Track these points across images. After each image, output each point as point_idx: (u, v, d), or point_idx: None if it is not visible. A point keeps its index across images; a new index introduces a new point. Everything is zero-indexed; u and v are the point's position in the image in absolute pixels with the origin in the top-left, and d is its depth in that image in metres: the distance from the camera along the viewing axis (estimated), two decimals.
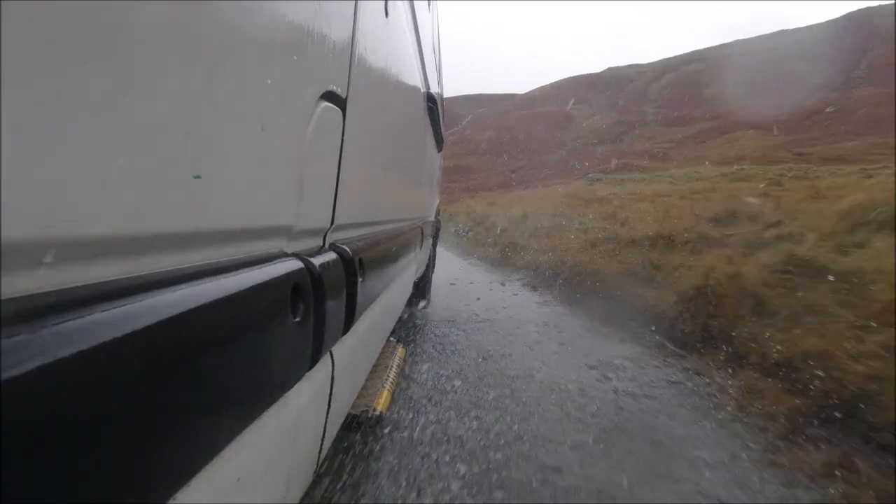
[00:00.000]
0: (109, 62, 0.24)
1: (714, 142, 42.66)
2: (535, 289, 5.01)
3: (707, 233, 4.37)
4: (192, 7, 0.30)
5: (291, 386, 0.48)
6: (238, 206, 0.40)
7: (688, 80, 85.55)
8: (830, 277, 2.80)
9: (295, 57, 0.45)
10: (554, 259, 5.36)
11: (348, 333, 0.70)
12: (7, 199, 0.19)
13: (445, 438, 1.82)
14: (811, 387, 2.16)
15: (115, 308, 0.24)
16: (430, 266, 3.64)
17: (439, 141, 2.71)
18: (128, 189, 0.27)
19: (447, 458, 1.68)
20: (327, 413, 0.69)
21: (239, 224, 0.41)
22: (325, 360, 0.62)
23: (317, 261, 0.54)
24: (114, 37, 0.24)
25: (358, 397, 1.09)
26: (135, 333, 0.24)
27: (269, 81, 0.41)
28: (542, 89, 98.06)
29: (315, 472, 0.70)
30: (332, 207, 0.65)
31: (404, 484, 1.51)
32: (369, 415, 1.03)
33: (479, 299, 4.39)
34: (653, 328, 3.20)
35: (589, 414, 2.12)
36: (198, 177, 0.32)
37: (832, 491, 1.61)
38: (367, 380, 1.21)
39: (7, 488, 0.17)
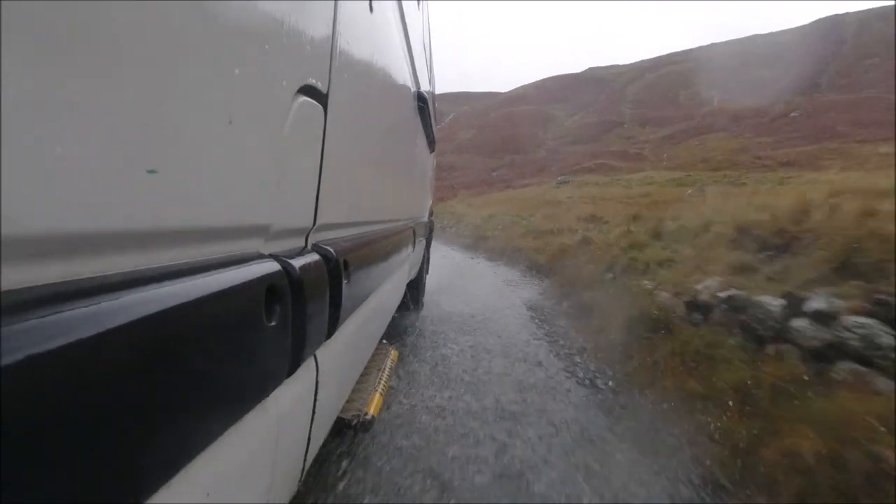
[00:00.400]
0: (74, 56, 0.23)
1: (687, 143, 44.26)
2: (490, 259, 8.92)
3: (575, 227, 7.97)
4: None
5: (270, 392, 0.47)
6: (207, 204, 0.38)
7: (665, 82, 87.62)
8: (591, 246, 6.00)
9: (268, 48, 0.44)
10: (503, 244, 9.11)
11: (333, 337, 0.68)
12: None
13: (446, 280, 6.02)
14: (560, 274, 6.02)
15: (78, 308, 0.23)
16: (423, 268, 3.52)
17: (431, 141, 2.65)
18: (88, 184, 0.26)
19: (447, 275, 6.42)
20: (312, 419, 0.68)
21: (209, 223, 0.39)
22: (307, 365, 0.60)
23: (297, 262, 0.52)
24: (77, 31, 0.24)
25: (348, 401, 1.06)
26: (99, 335, 0.23)
27: (237, 72, 0.39)
28: (524, 88, 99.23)
29: (300, 480, 0.69)
30: (314, 207, 0.63)
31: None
32: (360, 419, 1.01)
33: (458, 264, 8.31)
34: (532, 268, 7.21)
35: (495, 284, 6.36)
36: (153, 171, 0.30)
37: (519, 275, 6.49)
38: (358, 383, 1.18)
39: None
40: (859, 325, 2.03)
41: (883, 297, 2.07)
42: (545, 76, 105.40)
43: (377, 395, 1.18)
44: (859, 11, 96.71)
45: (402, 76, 1.37)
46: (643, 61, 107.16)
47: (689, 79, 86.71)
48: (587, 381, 2.68)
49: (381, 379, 1.29)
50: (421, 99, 1.82)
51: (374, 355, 1.45)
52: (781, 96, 60.04)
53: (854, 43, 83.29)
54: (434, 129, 2.72)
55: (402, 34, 1.31)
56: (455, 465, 1.71)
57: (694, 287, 3.00)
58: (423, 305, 3.85)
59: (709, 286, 2.93)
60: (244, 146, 0.42)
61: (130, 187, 0.29)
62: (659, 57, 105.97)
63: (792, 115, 45.32)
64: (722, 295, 2.78)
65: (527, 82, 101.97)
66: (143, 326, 0.27)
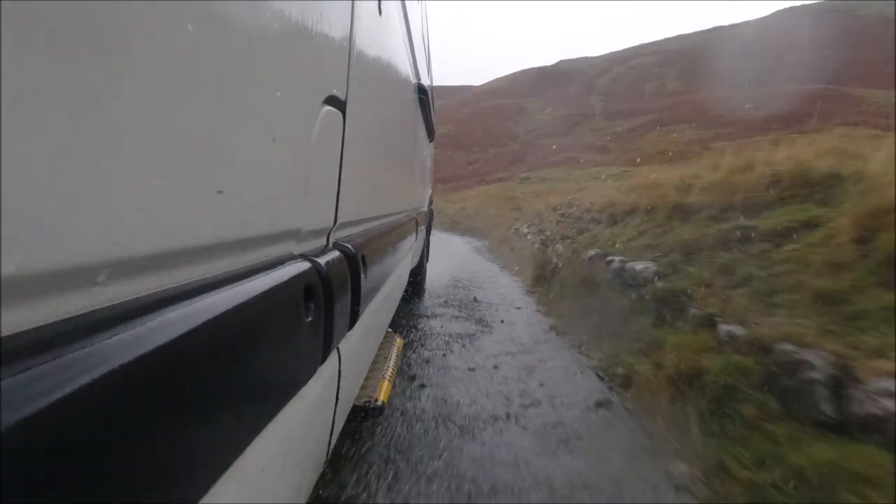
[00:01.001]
0: (114, 75, 0.24)
1: (650, 135, 46.31)
2: (460, 234, 12.13)
3: (509, 214, 10.88)
4: (203, 25, 0.30)
5: (305, 383, 0.50)
6: (252, 215, 0.41)
7: (633, 74, 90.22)
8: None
9: (300, 67, 0.47)
10: (468, 225, 12.79)
11: (353, 329, 0.71)
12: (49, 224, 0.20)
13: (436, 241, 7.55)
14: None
15: (149, 321, 0.26)
16: (424, 256, 3.58)
17: (430, 131, 2.69)
18: (156, 204, 0.28)
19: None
20: (335, 406, 0.71)
21: (253, 232, 0.42)
22: (332, 356, 0.62)
23: (323, 260, 0.55)
24: (122, 49, 0.24)
25: (360, 389, 1.11)
26: (164, 344, 0.25)
27: (278, 94, 0.42)
28: (497, 81, 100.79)
29: (325, 462, 0.73)
30: (335, 207, 0.65)
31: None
32: (371, 406, 1.04)
33: (440, 236, 10.26)
34: (481, 237, 10.77)
35: (461, 243, 10.04)
36: (220, 192, 0.33)
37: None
38: (368, 371, 1.22)
39: (39, 483, 0.18)
40: (623, 262, 3.60)
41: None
42: (518, 69, 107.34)
43: (386, 381, 1.21)
44: (815, 3, 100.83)
45: (406, 72, 1.40)
46: (613, 53, 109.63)
47: (657, 70, 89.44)
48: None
49: (388, 366, 1.31)
50: (421, 90, 1.85)
51: (381, 344, 1.48)
52: (739, 88, 62.82)
53: (810, 34, 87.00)
54: (433, 118, 2.73)
55: (404, 30, 1.34)
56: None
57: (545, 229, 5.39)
58: (424, 292, 3.84)
59: (553, 234, 4.90)
60: (282, 159, 0.46)
61: (197, 207, 0.32)
62: (627, 49, 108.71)
63: (746, 107, 47.89)
64: (561, 246, 4.52)
65: (500, 75, 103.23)
66: (206, 329, 0.29)
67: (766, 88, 60.14)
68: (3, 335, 0.19)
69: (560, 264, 4.65)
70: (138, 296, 0.27)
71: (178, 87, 0.29)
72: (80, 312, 0.23)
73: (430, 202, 3.92)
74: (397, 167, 1.43)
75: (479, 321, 3.59)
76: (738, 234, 2.94)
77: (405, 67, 1.39)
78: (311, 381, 0.53)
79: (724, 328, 2.18)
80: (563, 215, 6.66)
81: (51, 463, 0.19)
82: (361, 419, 1.01)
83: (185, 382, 0.28)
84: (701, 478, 1.58)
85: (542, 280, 4.91)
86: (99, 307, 0.24)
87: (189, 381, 0.28)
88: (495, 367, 2.64)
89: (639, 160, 21.36)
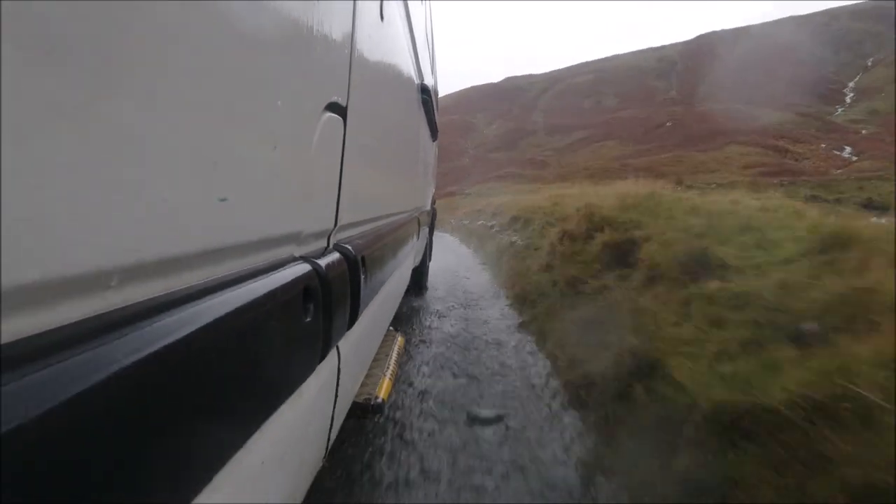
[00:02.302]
0: (122, 86, 0.24)
1: (584, 150, 51.22)
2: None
3: (448, 213, 12.58)
4: (204, 33, 0.31)
5: (303, 381, 0.51)
6: (254, 220, 0.42)
7: (573, 91, 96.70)
8: None
9: (301, 76, 0.48)
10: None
11: (353, 328, 0.72)
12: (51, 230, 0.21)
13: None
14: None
15: (157, 322, 0.27)
16: (426, 255, 3.59)
17: (434, 130, 2.73)
18: (155, 214, 0.28)
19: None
20: (335, 403, 0.72)
21: (255, 236, 0.43)
22: (331, 355, 0.64)
23: (323, 262, 0.56)
24: (130, 63, 0.25)
25: (361, 386, 1.12)
26: (171, 344, 0.26)
27: (279, 102, 0.43)
28: (447, 97, 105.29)
29: (324, 457, 0.74)
30: (335, 209, 0.66)
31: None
32: (371, 403, 1.05)
33: None
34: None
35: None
36: (224, 199, 0.34)
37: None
38: (369, 368, 1.24)
39: (33, 483, 0.19)
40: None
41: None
42: (466, 86, 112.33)
43: (386, 379, 1.20)
44: (733, 29, 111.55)
45: (408, 73, 1.40)
46: (556, 71, 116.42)
47: (594, 89, 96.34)
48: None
49: (389, 364, 1.31)
50: (424, 91, 1.87)
51: (382, 341, 1.49)
52: (664, 107, 69.57)
53: (727, 58, 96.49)
54: (436, 117, 2.80)
55: (407, 32, 1.35)
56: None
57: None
58: (426, 289, 3.85)
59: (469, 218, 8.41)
60: (284, 165, 0.46)
61: (202, 213, 0.33)
62: (569, 67, 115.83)
63: (667, 125, 53.85)
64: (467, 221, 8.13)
65: (449, 91, 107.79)
66: (209, 331, 0.30)
67: (686, 107, 67.03)
68: (20, 336, 0.20)
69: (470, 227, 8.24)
70: (142, 300, 0.28)
71: (180, 94, 0.29)
72: (83, 317, 0.24)
73: (433, 201, 3.93)
74: (399, 169, 1.44)
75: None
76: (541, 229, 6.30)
77: (408, 70, 1.40)
78: (310, 380, 0.54)
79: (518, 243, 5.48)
80: (478, 211, 10.65)
81: (55, 455, 0.20)
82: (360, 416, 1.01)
83: (186, 381, 0.29)
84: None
85: (459, 230, 8.85)
86: (103, 311, 0.25)
87: (189, 380, 0.29)
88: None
89: (550, 179, 25.31)
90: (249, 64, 0.38)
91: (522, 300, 3.44)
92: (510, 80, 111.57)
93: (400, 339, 1.58)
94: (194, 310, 0.31)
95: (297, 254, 0.54)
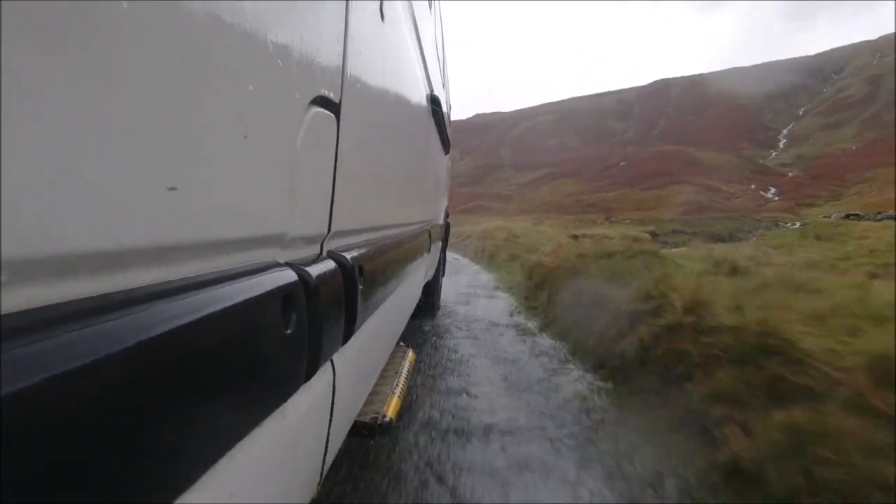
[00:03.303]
0: (91, 67, 0.24)
1: (546, 186, 55.36)
2: None
3: None
4: (170, 9, 0.29)
5: (287, 398, 0.48)
6: (224, 216, 0.39)
7: (539, 129, 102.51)
8: None
9: (280, 62, 0.46)
10: None
11: (350, 342, 0.70)
12: None
13: None
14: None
15: (101, 323, 0.24)
16: (439, 270, 3.45)
17: (446, 143, 2.64)
18: (107, 200, 0.26)
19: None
20: (329, 423, 0.69)
21: (226, 235, 0.40)
22: (324, 370, 0.61)
23: (313, 270, 0.53)
24: (97, 42, 0.24)
25: (366, 404, 1.07)
26: (124, 348, 0.24)
27: (251, 87, 0.40)
28: None
29: (319, 482, 0.71)
30: (328, 214, 0.64)
31: None
32: (378, 422, 1.01)
33: None
34: None
35: None
36: (173, 188, 0.31)
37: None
38: (376, 386, 1.19)
39: (10, 490, 0.18)
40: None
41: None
42: None
43: (395, 398, 1.16)
44: (682, 77, 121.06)
45: (415, 80, 1.37)
46: (523, 109, 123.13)
47: (558, 127, 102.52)
48: None
49: (398, 382, 1.26)
50: (434, 101, 1.81)
51: (391, 357, 1.43)
52: (621, 147, 75.23)
53: (678, 103, 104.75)
54: (449, 130, 2.72)
55: (414, 38, 1.31)
56: None
57: None
58: (439, 308, 3.58)
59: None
60: (259, 158, 0.44)
61: (150, 203, 0.30)
62: (535, 106, 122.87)
63: (621, 164, 58.80)
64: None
65: None
66: (163, 339, 0.28)
67: (639, 148, 72.80)
68: None
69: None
70: (85, 296, 0.26)
71: (153, 84, 0.28)
72: (38, 305, 0.23)
73: (447, 215, 3.81)
74: (405, 177, 1.38)
75: None
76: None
77: (414, 77, 1.36)
78: (296, 398, 0.50)
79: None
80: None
81: (32, 462, 0.19)
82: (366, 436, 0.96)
83: (133, 394, 0.26)
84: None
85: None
86: (41, 305, 0.23)
87: (139, 393, 0.26)
88: None
89: (512, 212, 28.61)
90: (224, 51, 0.36)
91: None
92: (479, 117, 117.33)
93: (411, 356, 1.52)
94: (145, 314, 0.28)
95: (281, 259, 0.51)
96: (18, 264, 0.22)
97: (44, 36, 0.20)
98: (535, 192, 51.79)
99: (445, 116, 2.35)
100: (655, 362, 1.82)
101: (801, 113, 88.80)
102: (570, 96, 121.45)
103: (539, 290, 3.83)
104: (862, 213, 16.93)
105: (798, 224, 10.19)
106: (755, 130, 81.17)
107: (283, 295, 0.45)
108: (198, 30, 0.32)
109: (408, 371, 1.38)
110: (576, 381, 2.07)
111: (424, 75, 1.56)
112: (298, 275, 0.50)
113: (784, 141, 78.35)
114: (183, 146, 0.32)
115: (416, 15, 1.32)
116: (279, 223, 0.50)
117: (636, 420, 1.66)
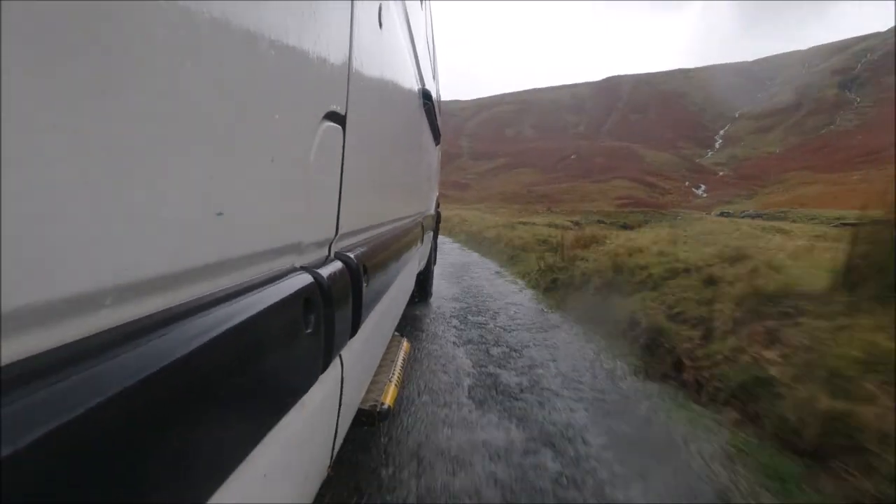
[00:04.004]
0: (120, 100, 0.24)
1: (503, 176, 57.94)
2: None
3: None
4: (204, 46, 0.31)
5: (305, 392, 0.52)
6: (254, 233, 0.42)
7: (497, 120, 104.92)
8: None
9: (299, 87, 0.48)
10: None
11: (355, 336, 0.72)
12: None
13: None
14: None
15: (156, 338, 0.28)
16: (431, 259, 3.54)
17: (436, 134, 2.66)
18: (168, 227, 0.29)
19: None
20: (338, 412, 0.73)
21: (255, 248, 0.43)
22: (334, 364, 0.64)
23: (325, 272, 0.56)
24: (128, 76, 0.25)
25: (366, 392, 1.10)
26: (170, 360, 0.28)
27: (276, 115, 0.43)
28: None
29: (329, 465, 0.74)
30: (336, 218, 0.66)
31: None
32: (378, 409, 1.04)
33: None
34: None
35: None
36: (220, 214, 0.35)
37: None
38: (374, 375, 1.21)
39: (41, 486, 0.19)
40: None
41: None
42: None
43: (392, 386, 1.17)
44: (633, 75, 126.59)
45: (409, 80, 1.39)
46: (481, 98, 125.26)
47: (516, 118, 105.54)
48: None
49: (395, 371, 1.27)
50: (426, 96, 1.83)
51: (388, 346, 1.45)
52: (573, 139, 78.86)
53: (627, 100, 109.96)
54: (439, 121, 2.72)
55: (407, 38, 1.33)
56: None
57: None
58: (431, 295, 3.66)
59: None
60: (283, 177, 0.47)
61: (202, 229, 0.33)
62: (493, 96, 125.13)
63: (572, 157, 62.37)
64: None
65: None
66: (207, 348, 0.31)
67: (591, 142, 76.77)
68: (31, 354, 0.21)
69: None
70: (140, 316, 0.28)
71: (178, 107, 0.30)
72: (96, 332, 0.25)
73: (438, 205, 3.77)
74: (401, 175, 1.41)
75: None
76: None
77: (408, 75, 1.37)
78: (312, 390, 0.53)
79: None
80: None
81: (65, 465, 0.21)
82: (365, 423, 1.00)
83: (187, 395, 0.30)
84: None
85: None
86: (111, 327, 0.26)
87: (190, 394, 0.30)
88: None
89: (470, 200, 30.97)
90: (247, 77, 0.38)
91: None
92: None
93: (406, 345, 1.53)
94: (192, 326, 0.31)
95: (297, 264, 0.54)
96: (107, 279, 0.25)
97: (53, 64, 0.21)
98: (492, 182, 54.20)
99: (436, 106, 2.48)
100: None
101: (736, 116, 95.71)
102: (528, 87, 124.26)
103: (481, 241, 6.64)
104: (753, 212, 20.60)
105: (679, 217, 13.19)
106: (695, 130, 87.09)
107: (303, 298, 0.48)
108: (229, 58, 0.34)
109: (403, 360, 1.40)
110: (494, 272, 4.33)
111: (416, 71, 1.59)
112: (314, 278, 0.52)
113: (720, 142, 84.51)
114: (226, 176, 0.36)
115: (409, 14, 1.33)
116: (297, 232, 0.53)
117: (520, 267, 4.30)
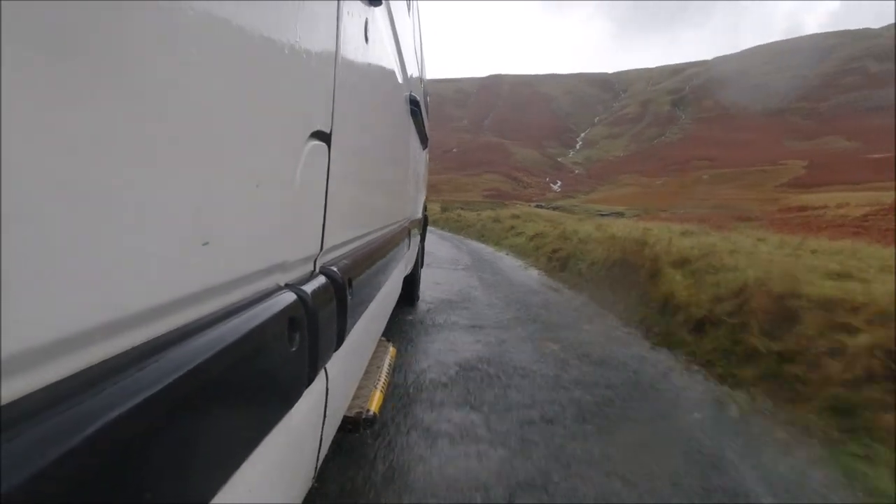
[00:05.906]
0: (105, 130, 0.24)
1: None
2: None
3: None
4: (189, 69, 0.31)
5: (291, 407, 0.51)
6: (240, 256, 0.42)
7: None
8: None
9: (285, 109, 0.48)
10: None
11: (340, 348, 0.72)
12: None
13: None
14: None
15: (146, 367, 0.28)
16: (418, 262, 3.47)
17: (424, 139, 2.70)
18: (154, 257, 0.29)
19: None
20: (323, 423, 0.72)
21: (242, 271, 0.43)
22: (319, 376, 0.63)
23: (309, 289, 0.56)
24: (113, 102, 0.24)
25: (352, 399, 1.11)
26: (157, 390, 0.28)
27: (262, 139, 0.43)
28: None
29: (314, 478, 0.74)
30: (321, 234, 0.66)
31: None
32: (363, 417, 1.05)
33: None
34: None
35: None
36: (206, 244, 0.35)
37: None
38: (360, 381, 1.21)
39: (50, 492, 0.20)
40: None
41: None
42: None
43: (378, 392, 1.19)
44: (514, 75, 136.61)
45: (396, 89, 1.37)
46: None
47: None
48: None
49: (380, 377, 1.29)
50: (413, 102, 1.84)
51: (374, 352, 1.45)
52: (457, 133, 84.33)
53: (506, 99, 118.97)
54: (427, 125, 2.74)
55: (394, 47, 1.30)
56: None
57: None
58: (418, 298, 3.57)
59: None
60: (268, 201, 0.46)
61: (189, 258, 0.33)
62: None
63: (454, 150, 67.74)
64: None
65: None
66: (193, 374, 0.32)
67: (472, 136, 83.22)
68: (20, 396, 0.21)
69: None
70: (128, 348, 0.29)
71: (162, 132, 0.29)
72: (85, 367, 0.25)
73: (425, 207, 3.78)
74: (387, 184, 1.39)
75: None
76: None
77: (395, 85, 1.36)
78: (297, 405, 0.53)
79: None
80: None
81: (71, 483, 0.21)
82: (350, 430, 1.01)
83: (172, 420, 0.30)
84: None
85: None
86: (96, 362, 0.26)
87: (175, 418, 0.31)
88: None
89: None
90: (232, 99, 0.37)
91: None
92: None
93: (392, 350, 1.55)
94: (176, 353, 0.32)
95: (282, 282, 0.53)
96: (94, 316, 0.25)
97: (35, 90, 0.20)
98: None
99: (424, 109, 2.42)
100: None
101: (595, 121, 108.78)
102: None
103: None
104: (556, 205, 27.65)
105: (519, 205, 18.48)
106: (561, 132, 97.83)
107: (288, 317, 0.48)
108: (214, 81, 0.34)
109: (388, 366, 1.41)
110: None
111: (404, 79, 1.55)
112: (298, 296, 0.52)
113: (580, 143, 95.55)
114: (212, 203, 0.36)
115: (395, 23, 1.30)
116: (283, 251, 0.52)
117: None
